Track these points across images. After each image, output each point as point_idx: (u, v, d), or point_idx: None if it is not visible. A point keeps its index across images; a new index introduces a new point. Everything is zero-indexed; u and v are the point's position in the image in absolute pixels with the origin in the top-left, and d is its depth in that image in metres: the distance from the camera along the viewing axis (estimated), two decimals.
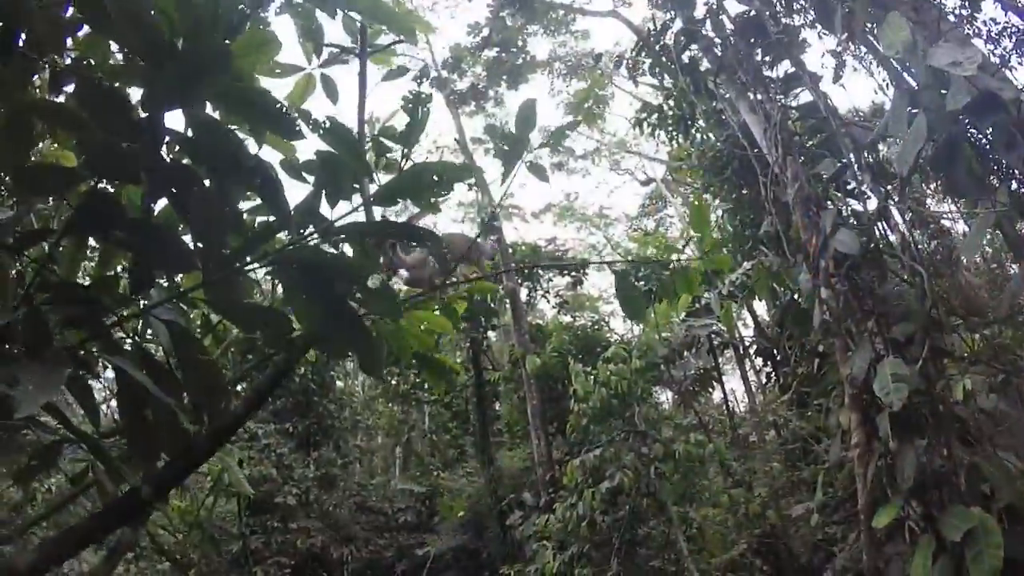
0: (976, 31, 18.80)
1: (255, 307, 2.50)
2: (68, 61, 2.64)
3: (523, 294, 20.95)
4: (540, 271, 20.11)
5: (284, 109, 2.28)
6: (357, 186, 2.51)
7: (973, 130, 6.29)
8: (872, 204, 7.00)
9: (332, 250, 2.22)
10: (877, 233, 6.34)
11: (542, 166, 3.53)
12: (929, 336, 5.42)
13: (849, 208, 6.88)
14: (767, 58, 9.26)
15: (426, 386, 21.37)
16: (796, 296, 7.72)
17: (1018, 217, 5.64)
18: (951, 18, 18.79)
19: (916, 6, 7.67)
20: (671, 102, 10.65)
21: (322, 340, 2.37)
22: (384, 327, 3.90)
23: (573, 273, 20.44)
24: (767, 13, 9.10)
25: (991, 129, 6.24)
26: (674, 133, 11.24)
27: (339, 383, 29.92)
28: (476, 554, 20.56)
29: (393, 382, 22.59)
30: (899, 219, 6.26)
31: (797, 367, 9.03)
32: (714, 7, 9.84)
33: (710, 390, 16.39)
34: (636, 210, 29.20)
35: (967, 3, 19.07)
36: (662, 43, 9.85)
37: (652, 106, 11.92)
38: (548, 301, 21.78)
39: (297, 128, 2.26)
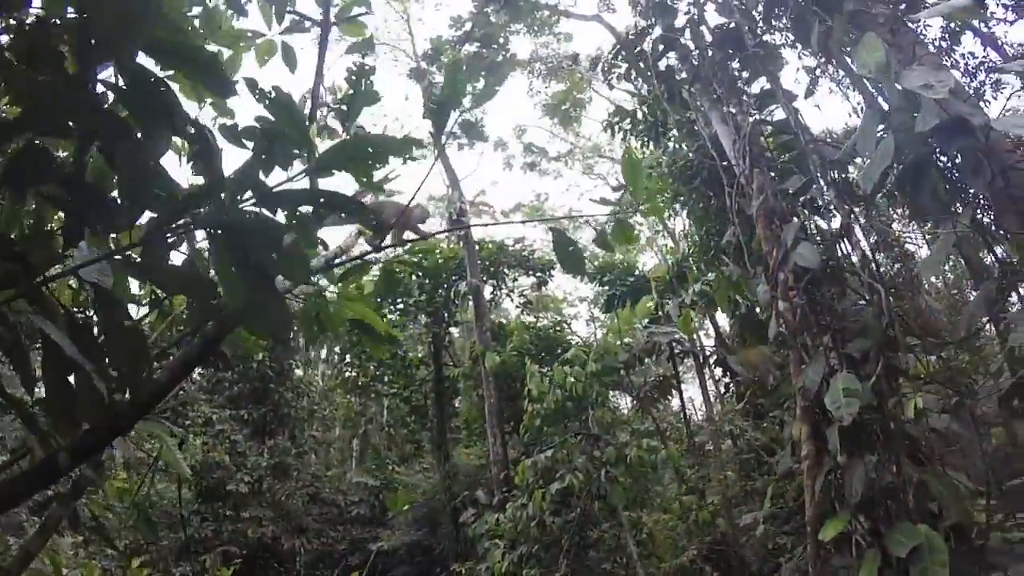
0: (954, 63, 19.29)
1: (181, 272, 2.44)
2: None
3: (487, 292, 20.91)
4: (504, 270, 20.07)
5: (220, 65, 2.22)
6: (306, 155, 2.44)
7: (941, 154, 6.35)
8: (837, 222, 7.08)
9: (267, 216, 2.16)
10: (840, 250, 6.38)
11: (474, 124, 3.53)
12: (883, 354, 5.46)
13: (814, 224, 6.93)
14: (744, 72, 9.31)
15: (386, 379, 21.26)
16: (755, 307, 7.77)
17: (979, 242, 5.71)
18: (931, 48, 19.25)
19: (893, 29, 7.76)
20: (644, 108, 10.65)
21: (243, 308, 2.30)
22: (317, 298, 3.87)
23: (538, 274, 20.43)
24: (746, 27, 9.14)
25: (958, 154, 6.30)
26: (645, 139, 11.26)
27: (298, 372, 29.65)
28: (429, 550, 20.49)
29: (352, 373, 22.42)
30: (861, 237, 6.32)
31: (752, 378, 9.09)
32: (695, 18, 9.87)
33: (669, 397, 16.49)
34: (606, 218, 29.09)
35: (947, 35, 19.52)
36: (640, 49, 9.85)
37: (625, 111, 11.93)
38: (512, 300, 21.77)
39: (233, 86, 2.20)
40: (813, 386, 5.54)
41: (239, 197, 2.10)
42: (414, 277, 20.46)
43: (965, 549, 5.84)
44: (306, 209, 2.34)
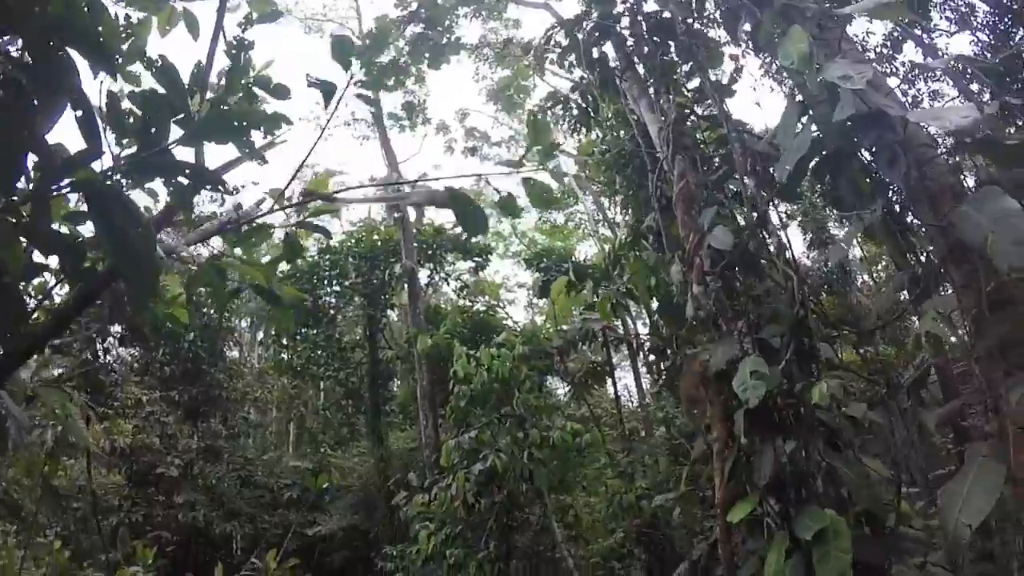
0: (894, 70, 19.87)
1: (55, 234, 2.49)
2: None
3: (424, 275, 20.88)
4: (442, 254, 20.02)
5: (108, 43, 2.24)
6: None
7: (862, 146, 6.50)
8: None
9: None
10: (758, 239, 6.49)
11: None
12: (794, 339, 5.60)
13: (734, 212, 7.04)
14: (683, 65, 9.37)
15: (321, 361, 21.03)
16: (673, 293, 7.87)
17: (891, 229, 5.86)
18: (871, 55, 19.79)
19: (821, 24, 7.89)
20: (576, 95, 10.67)
21: (116, 261, 2.37)
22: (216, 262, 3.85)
23: (476, 258, 20.44)
24: (680, 17, 9.20)
25: (875, 145, 6.45)
26: (576, 125, 11.29)
27: (233, 353, 29.08)
28: (365, 534, 20.43)
29: (287, 356, 22.11)
30: (778, 224, 6.45)
31: (674, 362, 9.25)
32: (632, 6, 9.90)
33: (602, 384, 16.69)
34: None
35: (889, 43, 20.07)
36: (574, 35, 9.84)
37: (557, 97, 11.95)
38: (448, 284, 21.75)
39: (115, 65, 2.24)
40: (718, 365, 5.65)
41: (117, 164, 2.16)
42: (351, 259, 20.29)
43: (874, 535, 6.04)
44: None
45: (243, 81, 2.92)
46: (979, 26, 20.13)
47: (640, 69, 9.56)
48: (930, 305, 5.21)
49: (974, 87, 19.39)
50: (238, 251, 4.86)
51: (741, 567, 5.98)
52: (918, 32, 19.99)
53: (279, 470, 23.04)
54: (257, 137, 2.84)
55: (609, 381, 16.57)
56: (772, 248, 6.22)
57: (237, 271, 5.26)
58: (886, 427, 6.68)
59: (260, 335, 30.97)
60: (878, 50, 19.98)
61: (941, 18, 20.29)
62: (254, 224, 5.20)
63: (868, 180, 6.57)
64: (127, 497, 18.51)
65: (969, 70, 19.70)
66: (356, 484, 22.29)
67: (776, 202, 6.53)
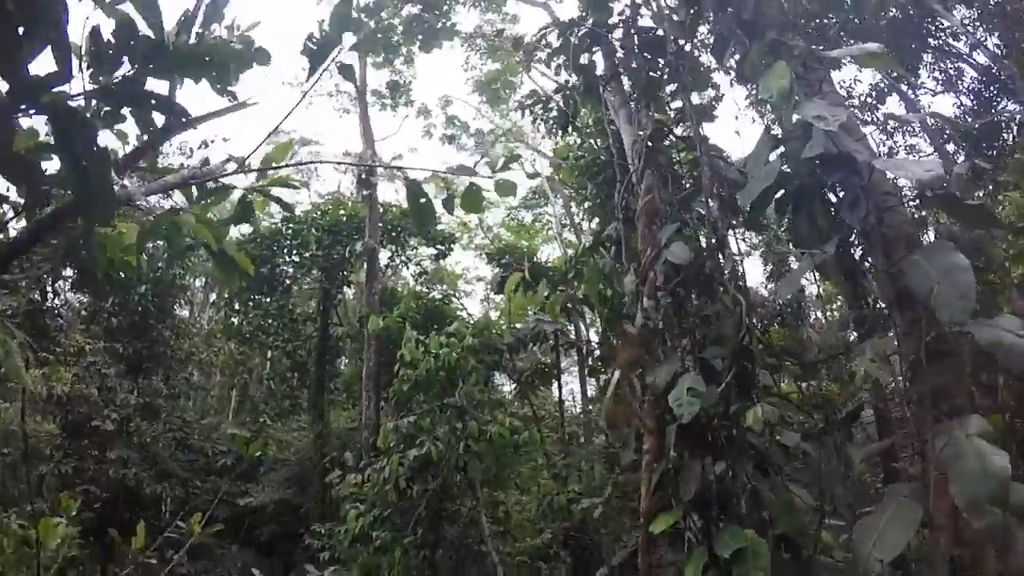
0: (876, 120, 20.33)
1: (17, 156, 2.45)
2: None
3: (385, 256, 20.75)
4: (406, 237, 19.93)
5: None
6: None
7: (829, 188, 6.64)
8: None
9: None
10: (717, 261, 6.61)
11: (351, 66, 3.68)
12: (736, 362, 5.73)
13: (694, 232, 7.15)
14: (669, 84, 9.47)
15: (271, 330, 20.79)
16: (623, 303, 7.96)
17: (843, 269, 6.02)
18: (855, 102, 20.13)
19: (807, 64, 8.03)
20: (559, 98, 10.74)
21: (74, 190, 2.40)
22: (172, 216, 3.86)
23: (439, 246, 20.41)
24: (672, 37, 9.29)
25: (839, 186, 6.61)
26: (554, 127, 11.35)
27: (184, 312, 28.57)
28: (296, 509, 20.24)
29: (236, 321, 21.79)
30: (735, 250, 6.58)
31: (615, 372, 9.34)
32: (627, 19, 9.97)
33: (548, 385, 16.80)
34: (518, 201, 29.49)
35: (874, 94, 20.50)
36: (565, 39, 9.88)
37: (539, 96, 12.03)
38: (408, 268, 21.68)
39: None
40: (663, 383, 5.76)
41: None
42: (314, 231, 20.09)
43: (792, 559, 6.21)
44: None
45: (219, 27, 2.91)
46: (965, 90, 20.75)
47: (625, 81, 9.66)
48: (868, 346, 5.38)
49: (950, 147, 20.05)
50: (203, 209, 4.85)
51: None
52: (904, 87, 20.56)
53: (216, 436, 22.71)
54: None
55: (555, 384, 16.69)
56: (727, 272, 6.34)
57: (191, 228, 5.23)
58: (816, 459, 6.88)
59: (213, 296, 30.50)
60: (862, 98, 20.49)
61: (929, 77, 20.87)
62: (217, 183, 5.18)
63: (828, 219, 6.74)
64: (59, 447, 18.10)
65: (947, 130, 20.37)
66: (293, 459, 22.10)
67: (742, 231, 6.66)
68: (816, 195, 6.70)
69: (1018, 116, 19.57)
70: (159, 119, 3.10)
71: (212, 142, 18.74)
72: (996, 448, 4.35)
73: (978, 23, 19.94)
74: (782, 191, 6.69)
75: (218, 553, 19.89)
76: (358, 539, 11.68)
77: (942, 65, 20.65)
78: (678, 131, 9.08)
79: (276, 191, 4.41)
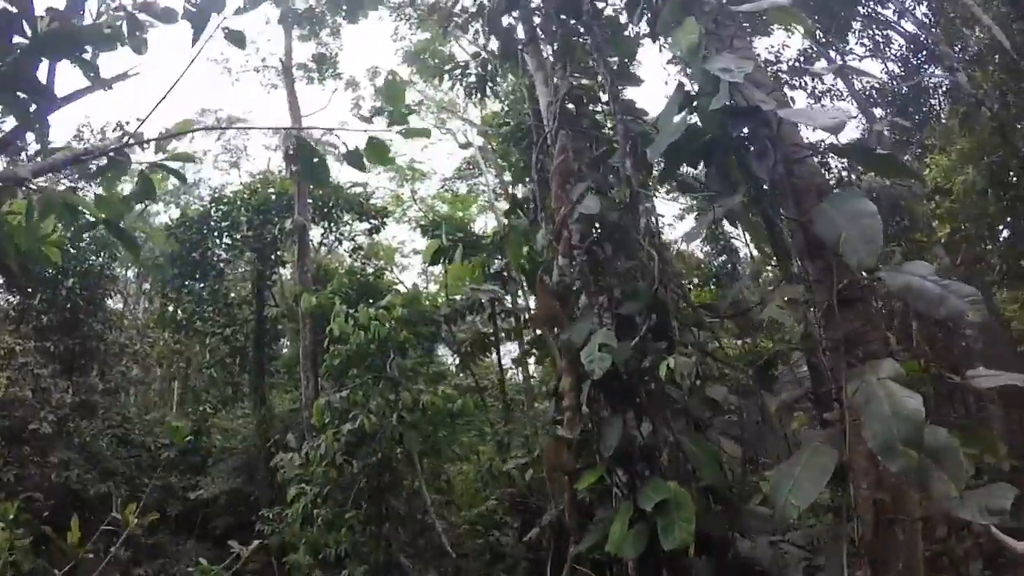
0: (803, 84, 20.61)
1: None
2: None
3: (318, 233, 20.37)
4: (338, 213, 19.56)
5: None
6: None
7: (735, 137, 6.68)
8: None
9: None
10: (633, 217, 6.63)
11: (241, 32, 3.65)
12: (650, 317, 5.77)
13: (612, 189, 7.15)
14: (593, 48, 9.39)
15: (207, 316, 20.28)
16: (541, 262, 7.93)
17: (752, 220, 6.09)
18: (784, 67, 20.34)
19: (718, 20, 8.04)
20: (477, 62, 10.60)
21: None
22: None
23: (372, 220, 20.11)
24: None
25: (748, 139, 6.65)
26: (473, 92, 11.22)
27: (117, 306, 27.68)
28: (248, 498, 19.91)
29: (170, 309, 21.19)
30: (648, 206, 6.61)
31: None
32: None
33: (488, 355, 16.81)
34: (452, 172, 29.26)
35: (802, 59, 20.76)
36: (482, 2, 9.73)
37: (458, 62, 11.86)
38: (341, 244, 21.32)
39: None
40: (579, 340, 5.77)
41: None
42: (244, 211, 19.59)
43: (719, 510, 6.33)
44: None
45: None
46: (892, 57, 21.21)
47: (545, 45, 9.57)
48: (777, 293, 5.45)
49: (877, 111, 20.51)
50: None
51: (587, 534, 6.17)
52: (832, 52, 20.89)
53: (159, 430, 22.16)
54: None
55: (496, 353, 16.69)
56: (642, 228, 6.36)
57: (87, 207, 5.08)
58: (739, 410, 6.98)
59: (147, 286, 29.60)
60: (790, 63, 20.77)
61: (857, 43, 21.23)
62: (109, 159, 5.03)
63: (740, 172, 6.79)
64: None
65: (874, 95, 20.82)
66: (240, 447, 21.71)
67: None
68: (727, 148, 6.74)
69: (944, 83, 20.09)
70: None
71: (127, 123, 18.00)
72: (909, 391, 4.37)
73: None
74: (694, 146, 6.75)
75: (173, 550, 19.52)
76: (307, 520, 11.57)
77: (870, 32, 21.06)
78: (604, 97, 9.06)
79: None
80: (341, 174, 22.16)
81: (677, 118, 6.27)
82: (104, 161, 5.35)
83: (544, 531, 7.21)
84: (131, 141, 5.18)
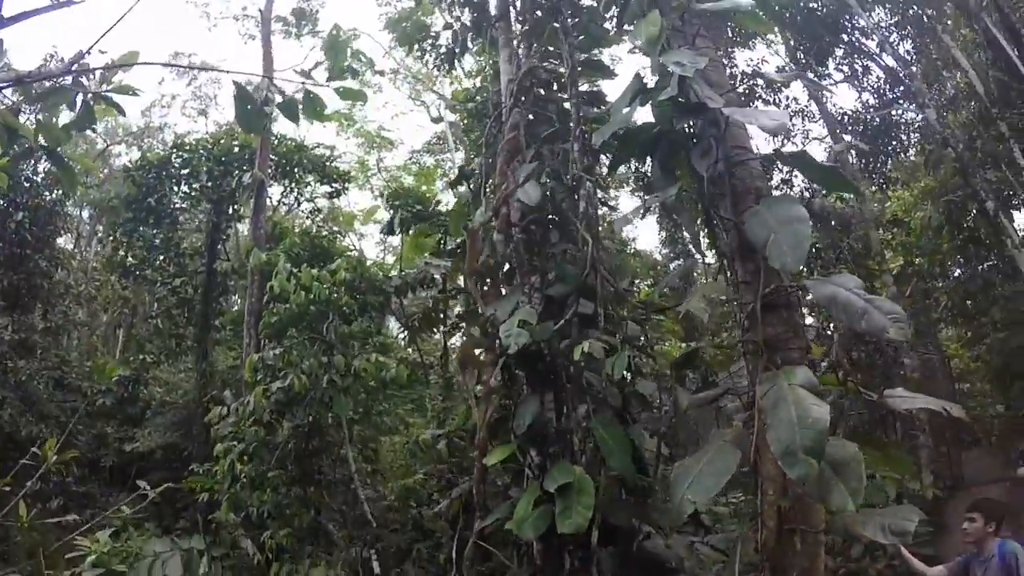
0: (778, 101, 20.78)
1: None
2: None
3: (278, 191, 20.05)
4: (300, 172, 19.28)
5: None
6: None
7: (680, 131, 6.69)
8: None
9: None
10: (574, 200, 6.64)
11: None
12: (577, 300, 5.79)
13: (559, 171, 7.14)
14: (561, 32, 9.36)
15: (157, 264, 19.90)
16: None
17: (689, 216, 6.14)
18: (760, 81, 20.43)
19: (685, 18, 8.06)
20: (447, 33, 10.50)
21: None
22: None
23: (334, 183, 19.88)
24: None
25: (694, 135, 6.67)
26: (441, 63, 11.13)
27: (69, 245, 27.06)
28: (182, 452, 19.65)
29: (121, 252, 20.73)
30: (588, 191, 6.62)
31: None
32: None
33: (435, 329, 16.75)
34: (421, 145, 29.03)
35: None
36: None
37: (428, 31, 11.74)
38: (300, 204, 21.04)
39: None
40: (504, 316, 5.78)
41: None
42: (204, 160, 19.22)
43: (627, 500, 6.37)
44: None
45: None
46: (869, 88, 21.51)
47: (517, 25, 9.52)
48: (698, 289, 5.49)
49: (847, 137, 20.80)
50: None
51: (494, 511, 6.20)
52: (810, 74, 21.08)
53: (97, 377, 21.70)
54: None
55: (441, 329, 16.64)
56: (580, 211, 6.37)
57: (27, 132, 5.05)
58: (655, 403, 7.00)
59: (100, 228, 28.95)
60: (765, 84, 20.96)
61: (836, 69, 21.49)
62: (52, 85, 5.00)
63: (682, 167, 6.82)
64: None
65: (847, 122, 21.11)
66: (179, 401, 21.38)
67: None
68: (672, 142, 6.75)
69: (916, 120, 20.44)
70: None
71: (88, 53, 17.50)
72: (817, 399, 4.30)
73: (893, 28, 20.61)
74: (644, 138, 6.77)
75: (103, 501, 19.21)
76: (233, 478, 11.45)
77: (850, 60, 21.32)
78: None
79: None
80: (309, 134, 21.82)
81: (627, 108, 6.30)
82: (46, 86, 5.24)
83: (453, 504, 7.24)
84: (74, 69, 5.07)
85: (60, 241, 22.89)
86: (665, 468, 6.91)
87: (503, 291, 6.32)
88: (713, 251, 6.85)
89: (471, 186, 7.41)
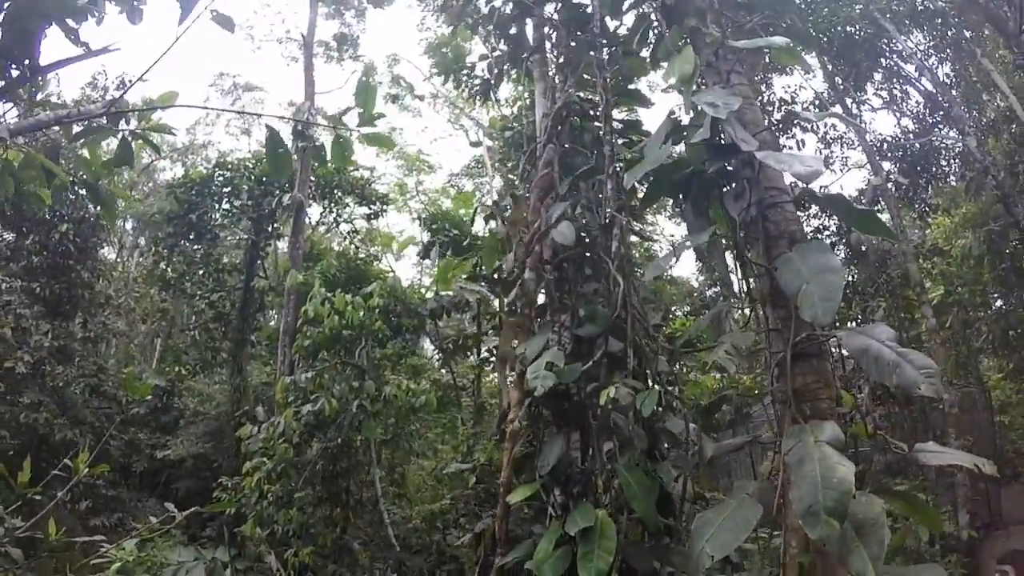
0: (815, 129, 20.55)
1: None
2: None
3: (317, 212, 20.35)
4: (340, 194, 19.59)
5: None
6: None
7: (714, 173, 6.67)
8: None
9: None
10: (607, 241, 6.64)
11: (229, 17, 3.75)
12: (607, 341, 5.78)
13: (595, 209, 7.16)
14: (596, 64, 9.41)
15: (196, 278, 20.34)
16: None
17: (721, 259, 6.11)
18: (797, 108, 20.10)
19: (719, 54, 8.06)
20: (484, 64, 10.61)
21: None
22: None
23: (373, 206, 20.17)
24: (598, 13, 9.21)
25: (728, 177, 6.62)
26: (477, 94, 11.24)
27: (111, 256, 27.71)
28: (212, 463, 19.95)
29: (163, 266, 21.23)
30: (622, 228, 6.61)
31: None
32: None
33: (469, 354, 16.77)
34: (459, 169, 29.29)
35: (818, 103, 20.68)
36: (494, 6, 9.73)
37: (465, 63, 11.88)
38: (339, 225, 21.35)
39: None
40: (532, 356, 5.78)
41: None
42: (246, 180, 19.64)
43: (649, 543, 6.29)
44: None
45: None
46: (908, 113, 21.21)
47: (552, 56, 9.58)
48: (726, 338, 5.44)
49: (886, 165, 20.51)
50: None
51: (516, 547, 6.17)
52: (849, 100, 20.87)
53: (131, 391, 22.07)
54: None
55: (475, 353, 16.65)
56: (612, 252, 6.36)
57: (60, 173, 5.21)
58: (682, 443, 6.91)
59: (143, 241, 29.64)
60: (804, 106, 20.72)
61: (874, 94, 21.22)
62: (92, 123, 5.15)
63: (716, 209, 6.78)
64: None
65: (886, 148, 20.79)
66: (212, 412, 21.74)
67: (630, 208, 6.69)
68: (705, 183, 6.72)
69: (956, 146, 20.06)
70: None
71: (131, 81, 18.05)
72: (843, 457, 4.19)
73: (931, 51, 20.34)
74: (678, 176, 6.75)
75: (132, 506, 19.55)
76: (260, 494, 11.60)
77: (889, 85, 21.05)
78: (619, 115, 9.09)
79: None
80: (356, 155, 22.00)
81: (662, 147, 6.30)
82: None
83: (477, 537, 7.23)
84: (113, 109, 5.26)
85: (103, 252, 23.46)
86: (693, 505, 6.86)
87: (536, 325, 6.34)
88: (745, 294, 6.80)
89: (504, 222, 7.48)
